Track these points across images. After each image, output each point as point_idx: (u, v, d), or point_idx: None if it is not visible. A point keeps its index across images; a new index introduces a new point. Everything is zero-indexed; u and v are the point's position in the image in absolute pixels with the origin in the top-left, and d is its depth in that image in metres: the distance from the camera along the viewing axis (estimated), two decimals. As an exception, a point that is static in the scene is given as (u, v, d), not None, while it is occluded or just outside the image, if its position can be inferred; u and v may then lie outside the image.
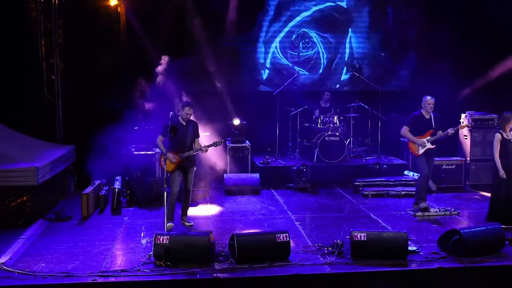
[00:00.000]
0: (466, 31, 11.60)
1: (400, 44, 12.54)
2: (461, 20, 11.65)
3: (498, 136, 7.92)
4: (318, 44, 12.52)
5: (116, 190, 9.02)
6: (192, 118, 8.02)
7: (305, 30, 12.42)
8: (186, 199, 8.07)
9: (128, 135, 10.02)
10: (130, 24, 11.02)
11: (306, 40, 12.50)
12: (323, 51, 12.55)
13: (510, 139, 7.90)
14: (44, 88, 10.69)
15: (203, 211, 8.94)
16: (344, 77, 12.66)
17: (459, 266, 6.37)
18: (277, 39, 12.40)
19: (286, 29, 12.40)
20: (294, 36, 12.41)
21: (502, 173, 7.84)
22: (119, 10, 11.13)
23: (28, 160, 8.37)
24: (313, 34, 12.48)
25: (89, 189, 8.74)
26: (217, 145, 8.04)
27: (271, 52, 12.44)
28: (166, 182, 7.51)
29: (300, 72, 12.29)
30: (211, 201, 9.54)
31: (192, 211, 8.41)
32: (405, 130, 8.75)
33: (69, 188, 10.16)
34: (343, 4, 12.50)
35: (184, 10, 11.52)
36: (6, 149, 8.51)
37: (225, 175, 10.45)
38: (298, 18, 12.40)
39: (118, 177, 9.62)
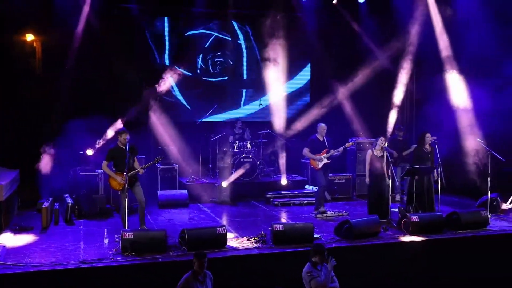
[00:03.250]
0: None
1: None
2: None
3: (369, 152, 10.54)
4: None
5: (69, 204, 10.45)
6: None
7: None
8: (141, 209, 9.38)
9: (67, 158, 11.66)
10: (46, 58, 12.32)
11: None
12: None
13: (377, 156, 10.46)
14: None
15: (147, 220, 10.57)
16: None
17: (349, 245, 8.75)
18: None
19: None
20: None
21: (367, 180, 10.47)
22: (34, 45, 12.37)
23: (-9, 180, 9.65)
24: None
25: (46, 204, 10.09)
26: (152, 164, 9.64)
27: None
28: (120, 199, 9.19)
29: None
30: (149, 214, 11.23)
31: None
32: (306, 151, 11.11)
33: (14, 207, 11.38)
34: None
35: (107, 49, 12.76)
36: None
37: (158, 191, 12.21)
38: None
39: (66, 195, 11.05)
